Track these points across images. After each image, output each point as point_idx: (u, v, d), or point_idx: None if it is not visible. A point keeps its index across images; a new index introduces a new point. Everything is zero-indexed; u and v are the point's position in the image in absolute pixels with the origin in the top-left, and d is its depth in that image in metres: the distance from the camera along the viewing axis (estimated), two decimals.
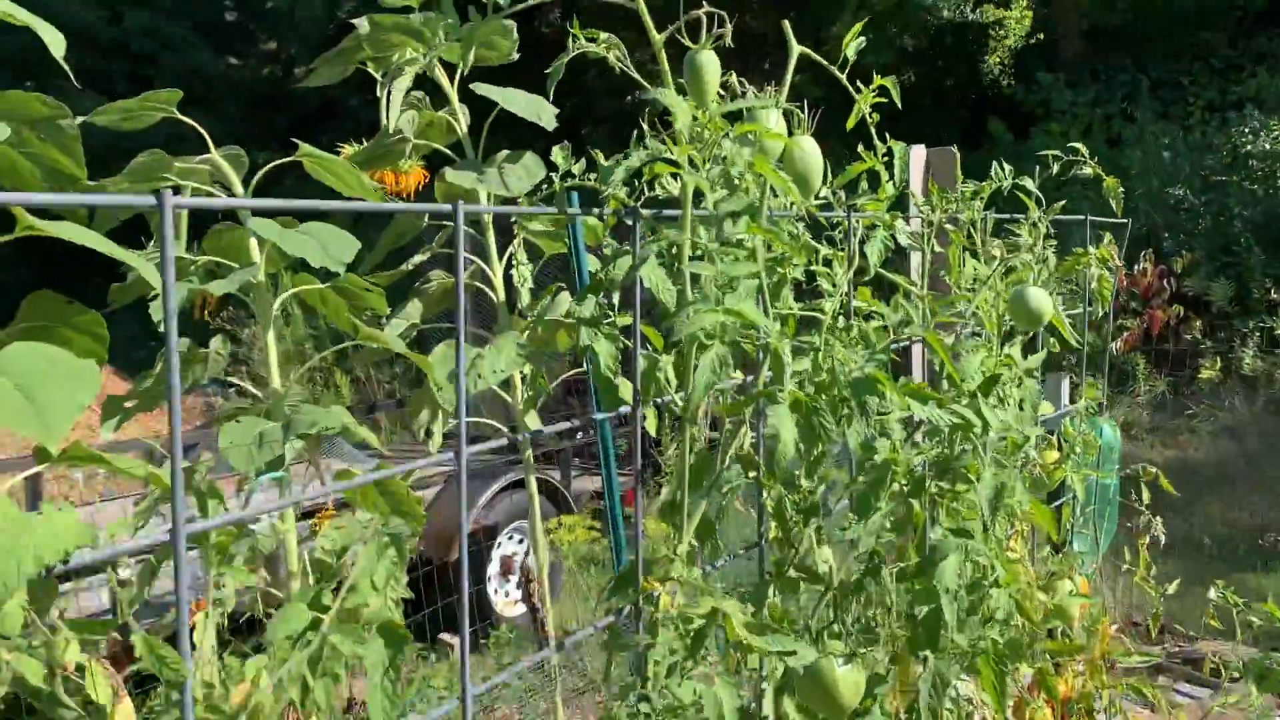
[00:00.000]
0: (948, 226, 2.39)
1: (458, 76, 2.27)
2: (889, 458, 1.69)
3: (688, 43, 1.51)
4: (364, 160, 3.52)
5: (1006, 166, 2.24)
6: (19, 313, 3.14)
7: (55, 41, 2.30)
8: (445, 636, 5.70)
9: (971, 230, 2.26)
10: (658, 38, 1.39)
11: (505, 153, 2.67)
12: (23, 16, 2.08)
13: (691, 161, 1.33)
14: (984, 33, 16.89)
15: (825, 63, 1.84)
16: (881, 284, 2.20)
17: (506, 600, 6.03)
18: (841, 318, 2.02)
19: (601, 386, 1.52)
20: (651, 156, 1.28)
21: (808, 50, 1.81)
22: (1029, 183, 2.21)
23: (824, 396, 1.52)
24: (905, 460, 1.71)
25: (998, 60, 16.89)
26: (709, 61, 1.43)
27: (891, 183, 1.92)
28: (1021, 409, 2.00)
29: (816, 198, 1.97)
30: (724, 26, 1.44)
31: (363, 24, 2.24)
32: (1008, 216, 2.59)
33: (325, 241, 2.97)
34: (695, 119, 1.37)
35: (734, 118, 1.49)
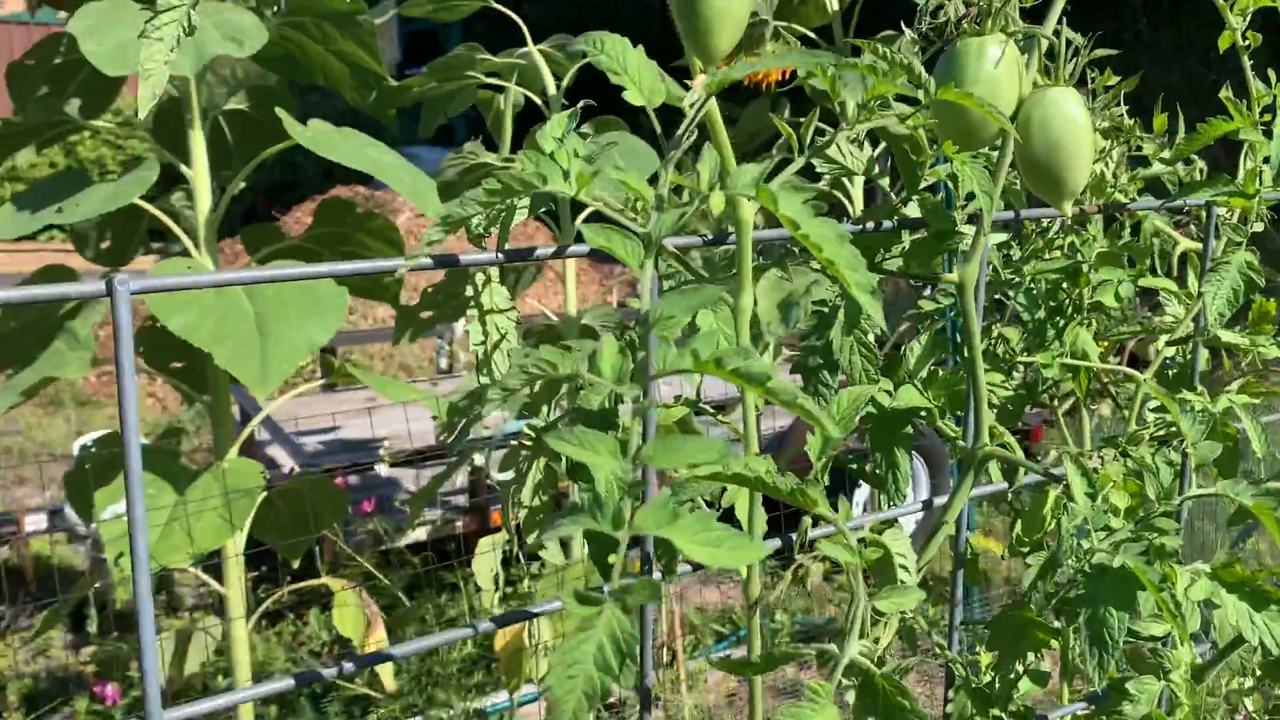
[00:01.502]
0: None
1: None
2: (1154, 718, 0.85)
3: None
4: None
5: None
6: (314, 218, 2.91)
7: None
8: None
9: None
10: None
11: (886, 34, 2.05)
12: None
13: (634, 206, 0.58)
14: None
15: None
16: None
17: None
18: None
19: (592, 544, 0.84)
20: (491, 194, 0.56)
21: None
22: None
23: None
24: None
25: None
26: None
27: (1268, 164, 0.98)
28: None
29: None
30: None
31: None
32: None
33: (634, 157, 2.47)
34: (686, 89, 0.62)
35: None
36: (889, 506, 1.00)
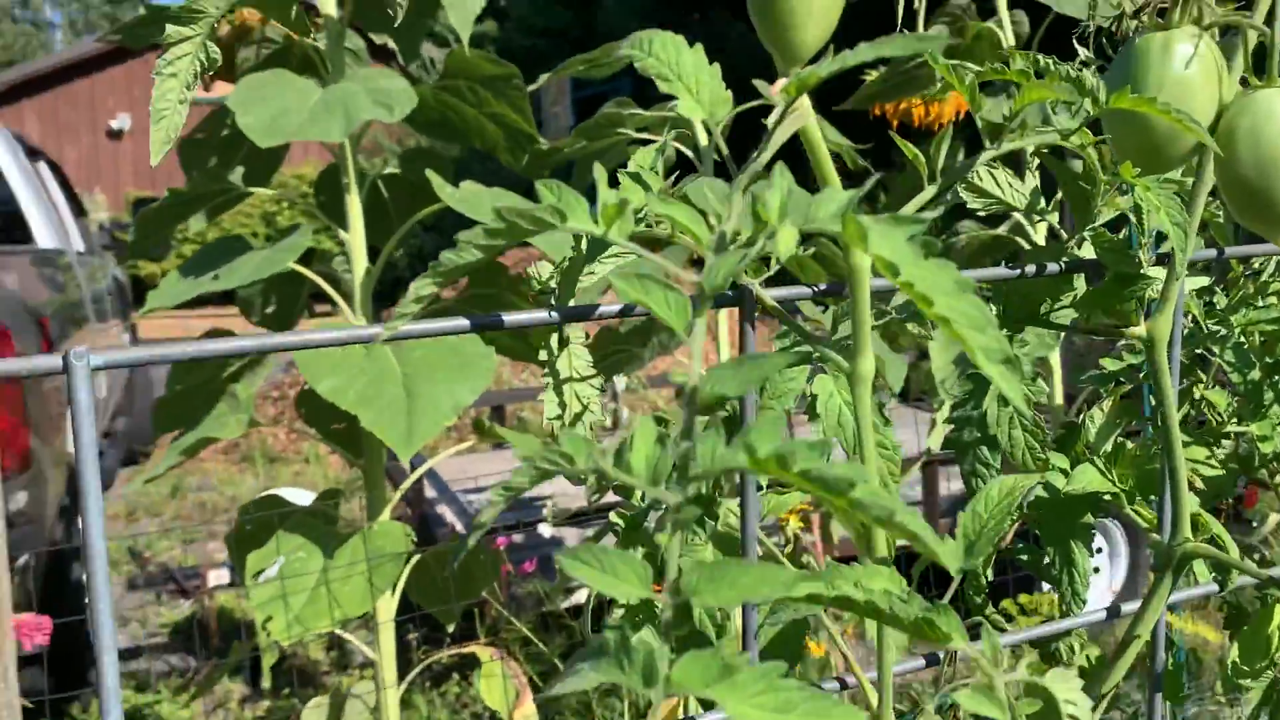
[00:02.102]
0: None
1: None
2: None
3: None
4: (881, 91, 2.73)
5: None
6: (469, 279, 2.90)
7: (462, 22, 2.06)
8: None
9: None
10: None
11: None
12: None
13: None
14: None
15: None
16: None
17: None
18: None
19: None
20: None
21: None
22: None
23: None
24: None
25: None
26: None
27: None
28: None
29: None
30: None
31: None
32: None
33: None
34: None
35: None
36: (1061, 610, 0.81)
